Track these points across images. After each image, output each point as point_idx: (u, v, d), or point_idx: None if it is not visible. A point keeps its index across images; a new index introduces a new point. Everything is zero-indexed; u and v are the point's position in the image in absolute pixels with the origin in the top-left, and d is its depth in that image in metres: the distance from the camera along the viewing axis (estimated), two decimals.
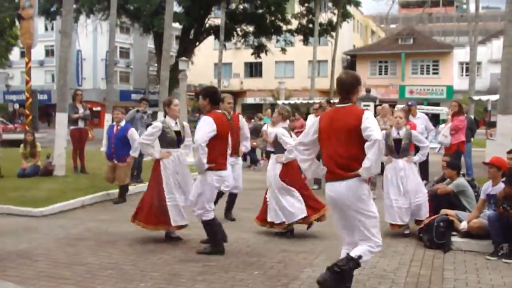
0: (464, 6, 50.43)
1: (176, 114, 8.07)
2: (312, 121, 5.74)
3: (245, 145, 9.51)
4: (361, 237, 5.14)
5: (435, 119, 30.88)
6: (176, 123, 8.00)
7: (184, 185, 7.81)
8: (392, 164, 8.43)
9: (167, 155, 7.75)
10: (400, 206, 8.21)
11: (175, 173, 7.74)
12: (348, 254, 5.11)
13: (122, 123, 11.37)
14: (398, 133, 8.52)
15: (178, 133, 7.90)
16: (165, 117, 8.47)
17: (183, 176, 7.84)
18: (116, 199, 11.24)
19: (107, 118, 23.34)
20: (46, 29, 53.72)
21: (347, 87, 5.23)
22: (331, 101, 13.95)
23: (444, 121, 24.03)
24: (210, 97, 7.11)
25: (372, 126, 4.94)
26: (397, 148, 8.44)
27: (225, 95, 8.78)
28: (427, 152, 8.87)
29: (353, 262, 5.03)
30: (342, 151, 5.06)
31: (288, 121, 8.58)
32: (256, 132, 18.51)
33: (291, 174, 8.16)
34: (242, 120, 9.60)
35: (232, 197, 9.52)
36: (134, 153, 11.09)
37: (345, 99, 5.23)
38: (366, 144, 4.92)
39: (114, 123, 11.51)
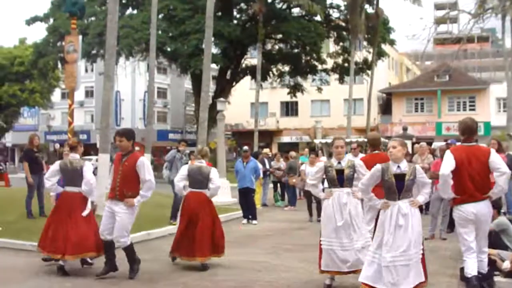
0: (500, 42, 50.09)
1: (337, 156, 7.63)
2: (447, 156, 6.96)
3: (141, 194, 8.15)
4: (483, 245, 7.00)
5: None
6: (339, 162, 7.59)
7: (350, 227, 7.25)
8: (390, 208, 6.57)
9: (329, 195, 7.48)
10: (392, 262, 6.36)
11: (337, 213, 7.30)
12: (481, 273, 6.78)
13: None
14: (398, 166, 6.68)
15: (339, 171, 7.51)
16: (330, 156, 8.45)
17: (351, 216, 7.32)
18: None
19: (146, 157, 23.70)
20: (86, 70, 54.98)
21: (474, 130, 6.97)
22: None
23: None
24: (134, 139, 8.23)
25: (500, 161, 6.77)
26: (399, 186, 6.56)
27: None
28: (429, 192, 6.95)
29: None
30: (481, 179, 6.73)
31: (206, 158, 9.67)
32: (292, 170, 18.62)
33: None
34: (141, 162, 8.08)
35: None
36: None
37: (471, 139, 6.91)
38: (499, 175, 6.67)
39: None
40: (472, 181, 6.70)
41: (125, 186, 8.04)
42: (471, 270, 6.71)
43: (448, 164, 6.82)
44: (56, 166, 8.57)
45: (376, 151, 8.88)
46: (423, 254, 6.53)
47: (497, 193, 6.87)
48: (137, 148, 10.75)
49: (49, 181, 8.61)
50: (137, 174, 8.04)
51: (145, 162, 8.11)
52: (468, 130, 6.90)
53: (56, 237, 8.11)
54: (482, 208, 6.72)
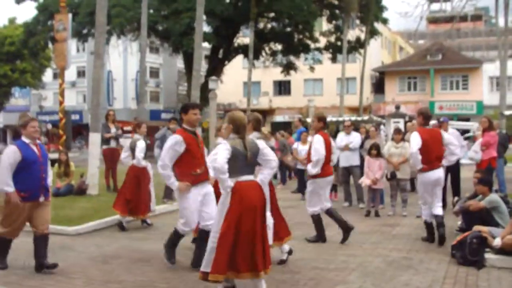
0: (493, 21, 49.84)
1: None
2: (415, 136, 8.89)
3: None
4: (438, 201, 8.78)
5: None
6: None
7: None
8: None
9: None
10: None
11: None
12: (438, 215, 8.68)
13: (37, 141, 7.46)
14: None
15: None
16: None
17: None
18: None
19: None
20: (78, 50, 54.57)
21: (430, 117, 9.27)
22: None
23: (468, 138, 23.94)
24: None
25: (452, 139, 9.09)
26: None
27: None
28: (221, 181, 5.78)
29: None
30: (437, 152, 8.77)
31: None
32: (285, 148, 18.54)
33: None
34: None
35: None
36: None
37: (428, 123, 9.16)
38: (455, 149, 8.91)
39: (28, 141, 7.20)
40: (433, 154, 8.72)
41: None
42: (428, 217, 8.88)
43: (416, 143, 8.69)
44: None
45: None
46: (224, 245, 5.58)
47: (452, 161, 9.34)
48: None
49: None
50: None
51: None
52: (428, 117, 9.06)
53: None
54: (440, 173, 8.84)
